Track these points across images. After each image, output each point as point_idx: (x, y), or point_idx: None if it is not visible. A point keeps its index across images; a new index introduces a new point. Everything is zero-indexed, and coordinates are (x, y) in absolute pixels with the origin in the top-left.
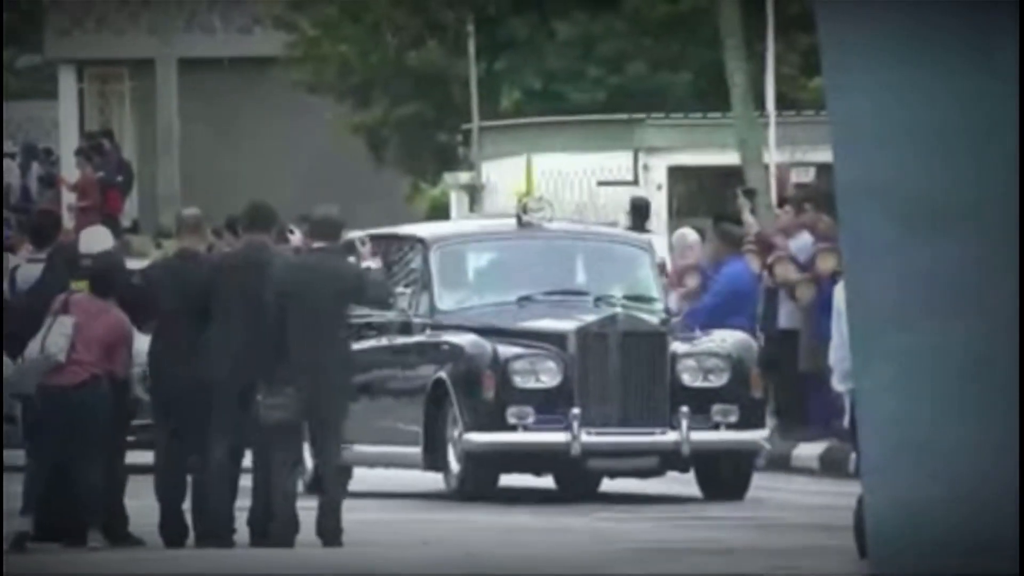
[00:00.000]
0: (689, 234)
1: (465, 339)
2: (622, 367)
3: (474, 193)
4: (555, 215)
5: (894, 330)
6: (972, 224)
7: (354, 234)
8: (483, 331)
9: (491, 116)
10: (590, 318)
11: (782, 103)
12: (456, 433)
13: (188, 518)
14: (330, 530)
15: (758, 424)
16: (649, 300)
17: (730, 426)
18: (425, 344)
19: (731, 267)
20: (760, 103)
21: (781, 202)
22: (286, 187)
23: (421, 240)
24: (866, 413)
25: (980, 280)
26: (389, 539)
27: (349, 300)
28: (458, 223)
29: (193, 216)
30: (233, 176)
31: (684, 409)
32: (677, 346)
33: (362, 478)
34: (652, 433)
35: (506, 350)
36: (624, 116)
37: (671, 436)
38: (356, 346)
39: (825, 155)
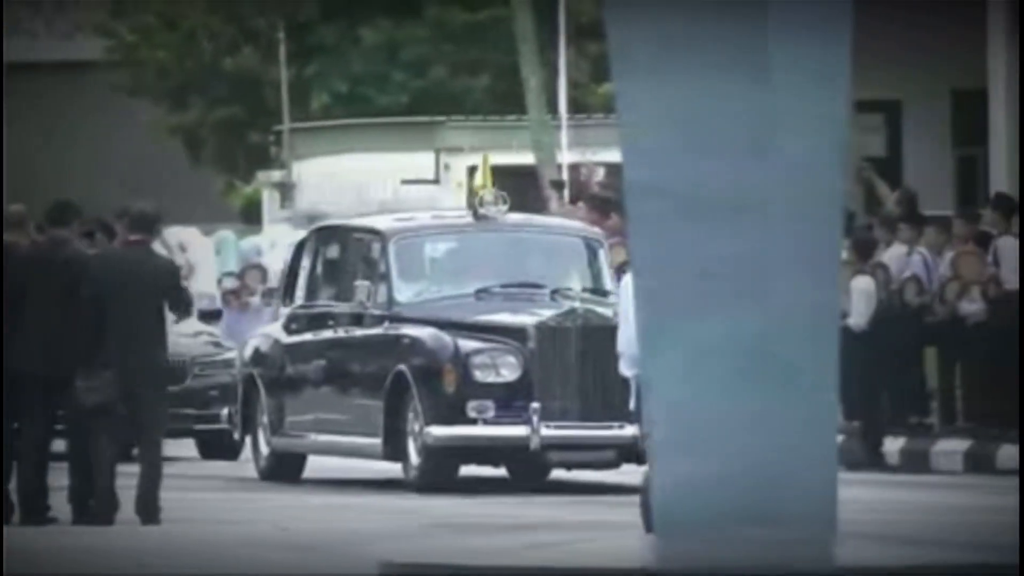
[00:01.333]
0: None
1: (425, 332)
2: (581, 361)
3: (285, 191)
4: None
5: (680, 319)
6: (755, 220)
7: (173, 229)
8: (442, 324)
9: (301, 118)
10: (549, 312)
11: (574, 107)
12: (416, 426)
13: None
14: (148, 508)
15: None
16: (604, 293)
17: None
18: (385, 337)
19: None
20: (553, 107)
21: (575, 199)
22: (107, 184)
23: (379, 232)
24: (653, 397)
25: (762, 272)
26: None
27: (162, 289)
28: (415, 216)
29: (17, 212)
30: (57, 174)
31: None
32: None
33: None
34: (611, 427)
35: (466, 344)
36: (426, 118)
37: (629, 430)
38: (315, 337)
39: (614, 156)
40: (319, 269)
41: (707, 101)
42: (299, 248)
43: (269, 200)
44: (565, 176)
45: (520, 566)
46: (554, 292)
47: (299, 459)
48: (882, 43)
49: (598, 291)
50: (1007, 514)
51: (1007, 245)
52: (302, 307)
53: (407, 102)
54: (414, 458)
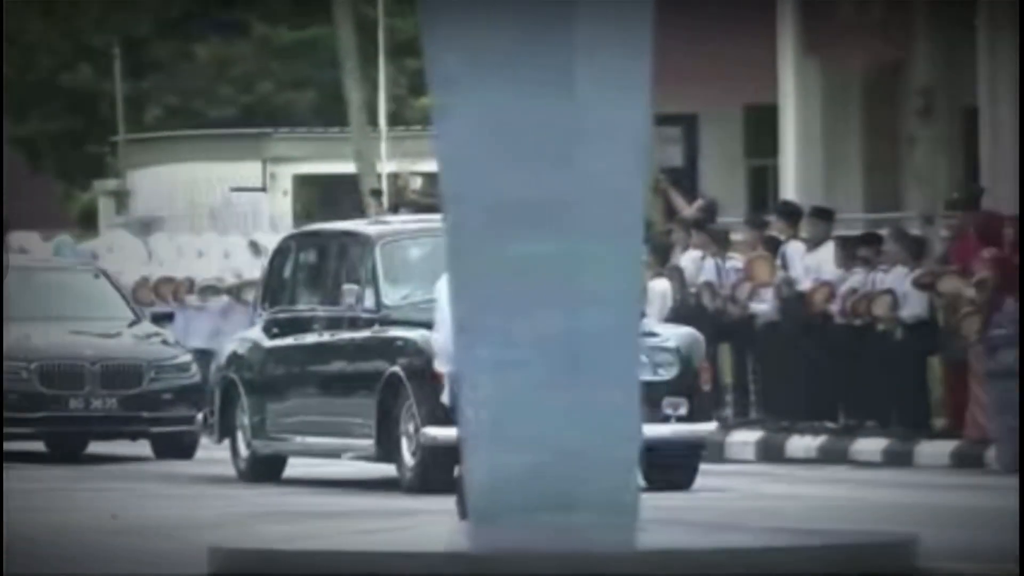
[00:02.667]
0: None
1: (419, 334)
2: None
3: (120, 198)
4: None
5: (493, 318)
6: (562, 225)
7: (13, 234)
8: (432, 325)
9: (136, 130)
10: None
11: (393, 119)
12: (411, 427)
13: None
14: None
15: (707, 417)
16: None
17: (680, 419)
18: (378, 339)
19: None
20: (374, 119)
21: (395, 207)
22: None
23: (366, 236)
24: (467, 391)
25: (571, 272)
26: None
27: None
28: (400, 220)
29: None
30: None
31: None
32: None
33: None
34: None
35: None
36: (254, 130)
37: None
38: (300, 340)
39: (431, 165)
40: (299, 274)
41: (516, 114)
42: (277, 253)
43: (105, 207)
44: (384, 185)
45: (332, 550)
46: None
47: (279, 461)
48: (680, 61)
49: None
50: (798, 500)
51: (794, 249)
52: (284, 310)
53: (236, 115)
54: (408, 459)
